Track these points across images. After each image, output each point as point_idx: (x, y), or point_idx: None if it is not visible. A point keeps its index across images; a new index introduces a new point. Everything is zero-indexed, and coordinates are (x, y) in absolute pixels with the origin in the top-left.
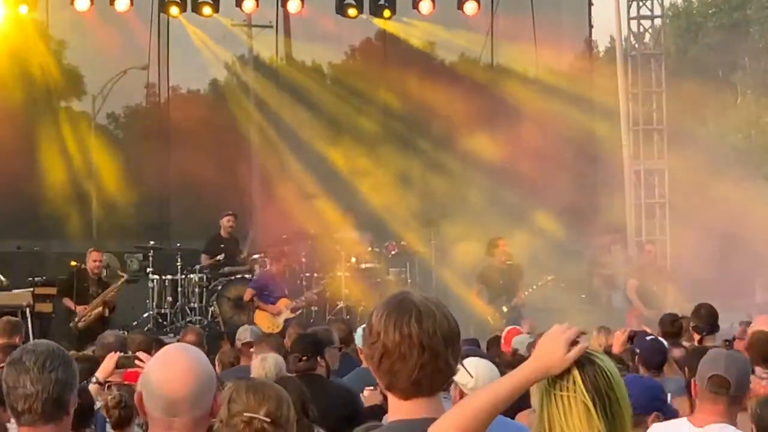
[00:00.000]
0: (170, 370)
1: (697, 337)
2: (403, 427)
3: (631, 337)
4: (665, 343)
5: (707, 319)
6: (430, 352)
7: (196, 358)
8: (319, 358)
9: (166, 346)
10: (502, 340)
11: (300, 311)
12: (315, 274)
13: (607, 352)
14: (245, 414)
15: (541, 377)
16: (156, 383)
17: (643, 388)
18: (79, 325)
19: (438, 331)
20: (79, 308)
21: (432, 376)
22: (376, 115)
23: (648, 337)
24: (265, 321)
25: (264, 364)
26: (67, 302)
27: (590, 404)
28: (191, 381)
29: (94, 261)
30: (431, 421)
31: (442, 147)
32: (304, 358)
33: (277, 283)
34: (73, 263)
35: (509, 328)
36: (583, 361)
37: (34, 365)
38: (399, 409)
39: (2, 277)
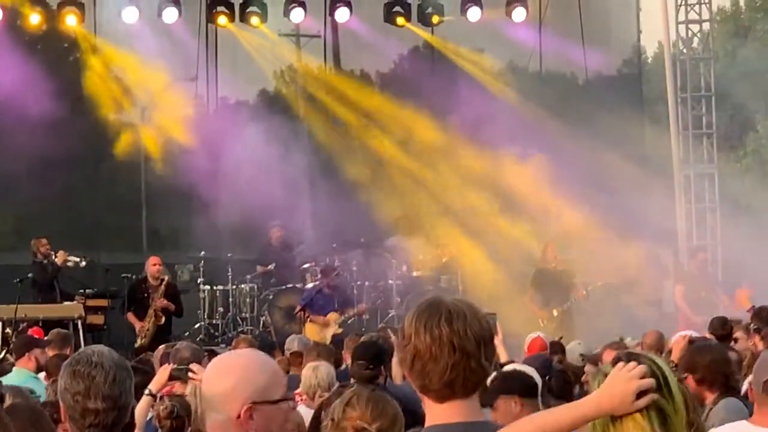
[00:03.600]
0: (215, 368)
1: (759, 339)
2: None
3: (691, 342)
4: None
5: None
6: (461, 352)
7: (246, 359)
8: (382, 368)
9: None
10: (525, 348)
11: (351, 320)
12: (366, 283)
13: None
14: (358, 422)
15: (603, 416)
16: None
17: None
18: (143, 342)
19: (469, 331)
20: (138, 325)
21: (465, 377)
22: (423, 123)
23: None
24: (314, 334)
25: (316, 372)
26: (131, 318)
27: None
28: (227, 378)
29: (154, 265)
30: (466, 426)
31: (491, 155)
32: (371, 366)
33: (327, 296)
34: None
35: (533, 336)
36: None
37: (104, 378)
38: (435, 414)
39: (77, 259)
